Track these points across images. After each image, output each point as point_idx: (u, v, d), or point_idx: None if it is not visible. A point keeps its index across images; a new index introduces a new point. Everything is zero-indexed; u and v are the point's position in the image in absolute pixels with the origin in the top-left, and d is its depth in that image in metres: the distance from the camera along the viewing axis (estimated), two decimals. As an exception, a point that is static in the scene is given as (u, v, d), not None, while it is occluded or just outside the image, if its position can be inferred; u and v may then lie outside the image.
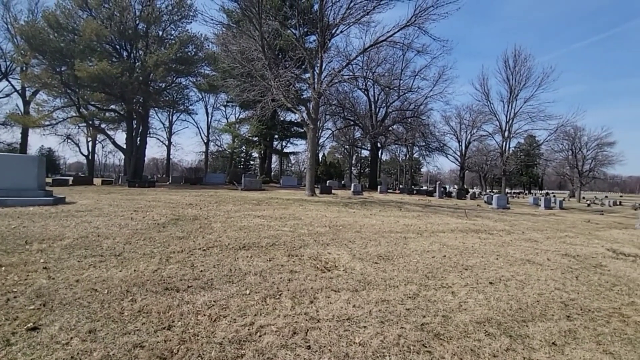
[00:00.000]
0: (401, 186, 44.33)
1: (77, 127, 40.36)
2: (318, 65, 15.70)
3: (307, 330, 2.62)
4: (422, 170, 78.87)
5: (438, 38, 15.01)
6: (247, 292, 3.32)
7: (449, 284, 3.93)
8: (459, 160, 46.89)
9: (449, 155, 45.58)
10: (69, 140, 43.55)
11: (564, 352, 2.55)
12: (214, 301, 3.05)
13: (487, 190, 55.36)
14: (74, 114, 30.26)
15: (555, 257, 5.80)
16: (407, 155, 56.42)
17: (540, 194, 55.46)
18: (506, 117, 31.63)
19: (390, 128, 38.39)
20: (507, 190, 58.68)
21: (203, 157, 54.80)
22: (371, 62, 35.07)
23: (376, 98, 37.35)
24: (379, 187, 29.20)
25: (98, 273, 3.61)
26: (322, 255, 4.87)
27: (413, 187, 53.12)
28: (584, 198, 50.51)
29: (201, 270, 3.86)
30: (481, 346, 2.56)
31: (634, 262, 5.83)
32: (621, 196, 74.09)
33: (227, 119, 51.76)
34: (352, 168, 68.29)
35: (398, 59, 34.63)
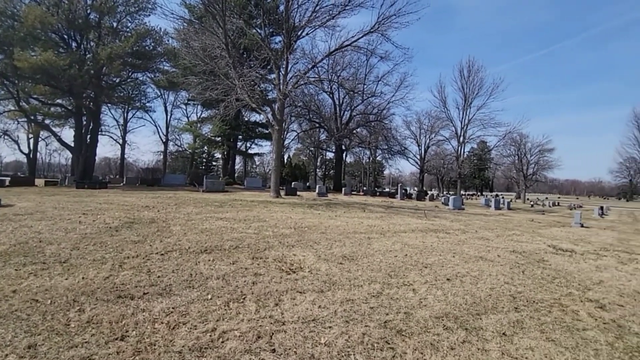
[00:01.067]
0: (365, 188, 45.38)
1: (16, 122, 36.36)
2: (283, 66, 15.62)
3: (272, 333, 2.57)
4: (384, 172, 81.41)
5: (400, 45, 15.65)
6: (209, 297, 3.19)
7: (410, 282, 4.08)
8: (419, 163, 49.08)
9: (409, 159, 47.58)
10: (6, 137, 39.10)
11: (513, 341, 2.75)
12: (173, 308, 2.89)
13: (445, 192, 58.54)
14: (13, 108, 27.28)
15: (504, 253, 6.26)
16: (371, 158, 57.94)
17: (491, 195, 59.69)
18: (461, 123, 33.77)
19: (354, 131, 39.20)
20: (462, 192, 62.52)
21: (162, 157, 51.98)
22: (336, 65, 35.65)
23: (341, 101, 37.97)
24: (343, 189, 29.65)
25: (40, 282, 3.26)
26: (288, 257, 4.82)
27: (376, 189, 54.62)
28: (528, 199, 55.25)
29: (159, 276, 3.64)
30: (440, 340, 2.67)
31: (570, 257, 6.47)
32: (559, 197, 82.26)
33: (188, 117, 49.55)
34: (318, 170, 68.70)
35: (362, 64, 35.57)
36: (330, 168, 66.20)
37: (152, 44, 30.02)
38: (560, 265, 5.62)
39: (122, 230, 5.81)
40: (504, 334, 2.87)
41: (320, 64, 30.96)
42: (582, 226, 14.64)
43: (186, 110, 51.08)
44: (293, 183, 30.74)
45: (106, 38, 24.68)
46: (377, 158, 58.61)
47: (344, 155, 53.28)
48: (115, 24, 25.92)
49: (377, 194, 35.65)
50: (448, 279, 4.29)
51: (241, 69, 13.88)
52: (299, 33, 15.99)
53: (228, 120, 35.01)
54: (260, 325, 2.67)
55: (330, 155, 57.81)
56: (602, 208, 29.40)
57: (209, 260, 4.35)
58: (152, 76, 35.42)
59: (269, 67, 18.21)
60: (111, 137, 47.02)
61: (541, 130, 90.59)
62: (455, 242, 6.99)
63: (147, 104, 42.20)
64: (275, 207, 11.14)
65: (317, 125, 39.32)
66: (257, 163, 77.72)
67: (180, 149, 52.77)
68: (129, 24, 26.53)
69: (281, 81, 15.78)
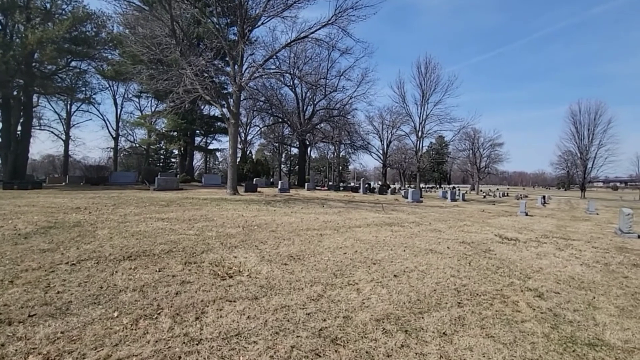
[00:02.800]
0: (330, 183, 45.55)
1: None
2: (239, 57, 14.84)
3: (182, 356, 2.16)
4: (349, 167, 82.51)
5: (359, 40, 15.75)
6: (115, 314, 2.70)
7: (356, 281, 3.85)
8: (382, 158, 50.21)
9: (372, 153, 48.46)
10: None
11: (453, 341, 2.59)
12: (62, 332, 2.37)
13: (406, 186, 60.55)
14: None
15: (454, 245, 6.31)
16: (335, 153, 58.27)
17: (448, 188, 62.86)
18: (419, 118, 34.86)
19: (317, 126, 39.03)
20: (422, 185, 65.16)
21: (112, 154, 48.04)
22: (298, 59, 35.15)
23: (304, 96, 37.57)
24: (306, 184, 29.38)
25: None
26: (227, 259, 4.39)
27: (341, 183, 55.03)
28: (481, 191, 58.89)
29: (58, 292, 3.06)
30: (377, 347, 2.44)
31: (514, 246, 6.69)
32: (508, 188, 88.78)
33: (141, 111, 46.17)
34: (282, 166, 67.85)
35: (324, 58, 35.36)
36: (295, 164, 65.61)
37: (94, 30, 27.45)
38: (504, 255, 5.74)
39: (33, 237, 5.00)
40: (444, 333, 2.71)
41: (282, 58, 30.47)
42: (526, 215, 15.65)
43: (139, 103, 47.50)
44: (255, 179, 29.89)
45: (36, 20, 22.01)
46: (342, 153, 59.18)
47: (309, 150, 53.07)
48: (48, 5, 23.22)
49: (341, 188, 35.86)
50: (395, 275, 4.13)
51: (192, 57, 12.90)
52: (255, 22, 15.28)
53: (183, 114, 33.12)
54: (169, 347, 2.25)
55: (295, 150, 57.32)
56: (544, 197, 31.94)
57: (131, 268, 3.80)
58: (96, 65, 32.49)
59: (226, 58, 17.28)
60: (52, 132, 42.57)
61: (492, 126, 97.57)
62: (408, 236, 6.96)
63: (93, 96, 38.76)
64: (229, 205, 10.54)
65: (280, 120, 38.58)
66: (220, 159, 75.05)
67: (135, 145, 49.19)
68: (65, 6, 23.91)
69: (236, 73, 15.00)
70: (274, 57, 19.79)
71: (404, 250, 5.50)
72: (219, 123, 37.10)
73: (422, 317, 2.98)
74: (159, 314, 2.75)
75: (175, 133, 34.78)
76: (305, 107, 37.61)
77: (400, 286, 3.75)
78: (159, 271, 3.78)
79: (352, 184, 48.70)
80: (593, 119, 55.26)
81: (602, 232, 10.42)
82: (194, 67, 12.02)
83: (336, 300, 3.25)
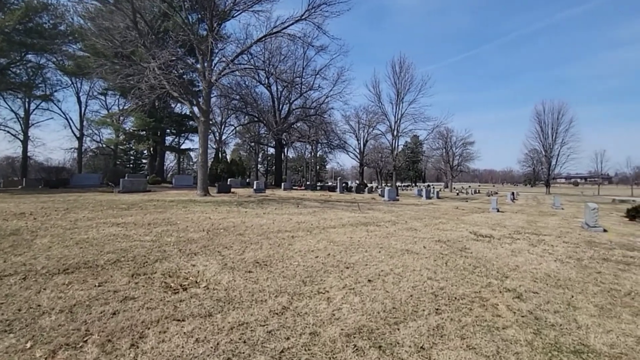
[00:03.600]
0: (308, 183, 45.21)
1: None
2: (208, 52, 14.13)
3: (101, 399, 1.72)
4: (327, 167, 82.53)
5: (334, 37, 15.51)
6: (28, 345, 2.19)
7: (327, 288, 3.51)
8: (358, 157, 50.45)
9: (349, 153, 48.63)
10: None
11: (431, 356, 2.30)
12: (-53, 376, 1.85)
13: (383, 184, 61.28)
14: None
15: (430, 244, 6.13)
16: (312, 153, 57.97)
17: (424, 186, 64.31)
18: (395, 117, 35.24)
19: (294, 125, 38.55)
20: (398, 183, 66.28)
21: (76, 154, 44.99)
22: (272, 57, 34.50)
23: (279, 95, 36.96)
24: (283, 184, 28.85)
25: None
26: (183, 269, 3.92)
27: (319, 183, 54.77)
28: (454, 188, 60.63)
29: (-40, 319, 2.49)
30: (346, 370, 2.10)
31: (489, 243, 6.62)
32: (479, 186, 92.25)
33: (108, 109, 43.57)
34: (259, 166, 66.75)
35: (299, 57, 34.97)
36: (272, 163, 64.70)
37: (52, 21, 25.56)
38: (480, 253, 5.61)
39: (-48, 249, 4.28)
40: (422, 347, 2.42)
41: (256, 56, 29.64)
42: (498, 211, 16.03)
43: (105, 101, 44.85)
44: (229, 180, 28.98)
45: (-18, 9, 20.15)
46: (319, 153, 59.00)
47: (286, 150, 52.45)
48: (-4, -7, 21.28)
49: (318, 188, 35.60)
50: (369, 280, 3.82)
51: (157, 50, 12.08)
52: (225, 16, 14.62)
53: (152, 112, 31.62)
54: (87, 388, 1.80)
55: (271, 150, 56.46)
56: (513, 194, 33.21)
57: (64, 284, 3.25)
58: (56, 60, 30.36)
59: (195, 54, 16.45)
60: (9, 132, 39.26)
61: (464, 126, 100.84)
62: (384, 235, 6.72)
63: (54, 93, 36.24)
64: (197, 207, 9.91)
65: (256, 119, 37.73)
66: (194, 159, 72.63)
67: (101, 145, 46.38)
68: (17, -5, 22.05)
69: (206, 68, 14.28)
70: (248, 54, 19.19)
71: (380, 252, 5.22)
72: (191, 122, 35.75)
73: (398, 329, 2.68)
74: (85, 341, 2.26)
75: (144, 132, 33.11)
76: (281, 106, 37.02)
77: (375, 292, 3.45)
78: (99, 286, 3.25)
79: (329, 184, 48.57)
80: (556, 119, 58.40)
81: (570, 226, 10.73)
82: (158, 60, 11.24)
83: (303, 312, 2.89)
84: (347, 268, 4.24)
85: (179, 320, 2.63)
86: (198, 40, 14.31)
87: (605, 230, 9.60)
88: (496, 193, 50.84)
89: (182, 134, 43.19)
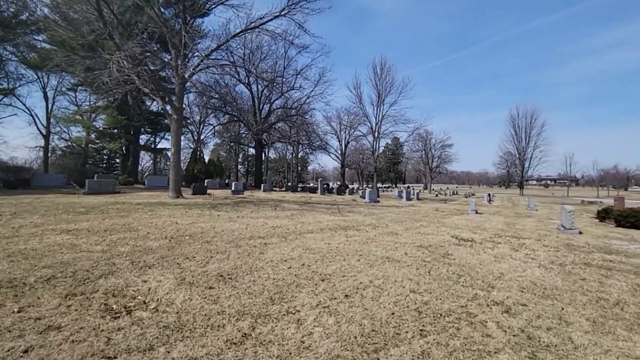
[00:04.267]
0: (289, 184, 44.58)
1: None
2: (181, 46, 13.37)
3: None
4: (309, 168, 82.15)
5: (314, 34, 14.94)
6: None
7: (298, 307, 3.07)
8: (340, 158, 50.34)
9: (331, 154, 48.42)
10: None
11: (417, 397, 1.92)
12: None
13: (364, 186, 61.52)
14: None
15: (412, 250, 5.82)
16: (293, 154, 57.38)
17: (404, 187, 65.12)
18: (376, 119, 35.35)
19: (274, 125, 37.87)
20: (379, 185, 66.79)
21: (42, 153, 42.11)
22: (253, 55, 33.79)
23: (260, 94, 36.23)
24: (262, 185, 28.16)
25: None
26: (132, 286, 3.37)
27: (300, 184, 54.17)
28: (433, 190, 61.71)
29: None
30: (313, 423, 1.67)
31: (471, 248, 6.40)
32: (457, 187, 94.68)
33: (78, 106, 41.11)
34: (239, 166, 65.47)
35: (280, 56, 34.40)
36: (252, 164, 63.50)
37: (12, 10, 23.82)
38: (463, 259, 5.35)
39: None
40: (405, 384, 2.03)
41: (236, 53, 28.79)
42: (476, 213, 16.14)
43: (75, 97, 42.35)
44: (206, 180, 27.98)
45: None
46: (300, 154, 58.48)
47: (267, 150, 51.60)
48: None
49: (299, 189, 35.12)
50: (346, 296, 3.42)
51: (123, 41, 11.22)
52: (199, 9, 13.91)
53: (124, 109, 30.12)
54: None
55: (252, 150, 55.34)
56: (489, 195, 34.01)
57: (-28, 310, 2.64)
58: (17, 52, 28.38)
59: (170, 49, 15.58)
60: (-34, 129, 36.32)
61: (442, 128, 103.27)
62: (364, 241, 6.36)
63: (17, 87, 33.95)
64: (165, 211, 9.22)
65: (235, 118, 36.76)
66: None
67: (72, 144, 43.72)
68: (-31, -21, 20.32)
69: (179, 64, 13.52)
70: (227, 52, 18.47)
71: (359, 260, 4.84)
72: (166, 120, 34.33)
73: (378, 358, 2.29)
74: (-30, 397, 1.72)
75: (116, 130, 31.44)
76: (261, 106, 36.27)
77: (352, 311, 3.05)
78: (18, 312, 2.67)
79: (311, 185, 48.19)
80: (529, 123, 60.75)
81: (547, 228, 10.82)
82: (124, 52, 10.40)
83: (267, 341, 2.44)
84: (323, 281, 3.82)
85: (109, 358, 2.12)
86: (170, 33, 13.53)
87: (580, 232, 9.70)
88: (473, 194, 52.14)
89: (158, 133, 41.55)
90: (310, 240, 6.07)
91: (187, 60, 13.38)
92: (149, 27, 12.72)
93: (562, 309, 3.45)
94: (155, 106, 35.99)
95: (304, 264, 4.43)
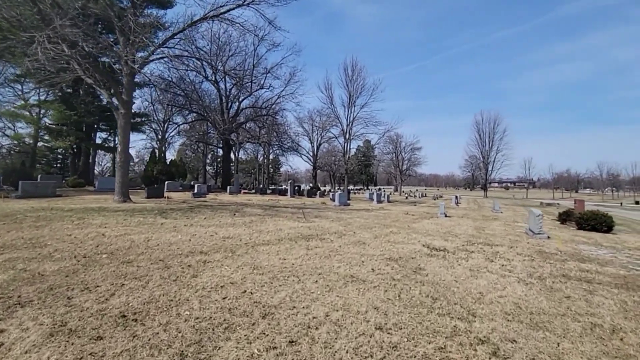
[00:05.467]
0: (261, 186, 43.06)
1: None
2: (130, 33, 11.90)
3: None
4: (281, 170, 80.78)
5: (281, 28, 14.02)
6: None
7: (218, 367, 2.16)
8: (312, 160, 49.60)
9: (302, 155, 47.56)
10: None
11: None
12: None
13: (336, 188, 61.22)
14: None
15: (380, 264, 5.08)
16: (264, 155, 55.87)
17: (375, 189, 65.62)
18: (347, 120, 34.93)
19: (244, 125, 36.37)
20: (351, 187, 66.83)
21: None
22: (220, 52, 32.20)
23: (227, 92, 34.62)
24: (228, 187, 26.67)
25: None
26: (-27, 342, 2.29)
27: (273, 186, 52.59)
28: (403, 192, 62.71)
29: None
30: None
31: (444, 259, 5.78)
32: (425, 189, 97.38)
33: (25, 100, 37.03)
34: (208, 167, 62.83)
35: (250, 53, 33.06)
36: (222, 165, 60.98)
37: None
38: (437, 275, 4.68)
39: None
40: None
41: (203, 50, 27.04)
42: (446, 216, 15.96)
43: (22, 90, 38.19)
44: (167, 183, 26.02)
45: None
46: (271, 155, 57.03)
47: (237, 151, 49.62)
48: None
49: (269, 191, 33.92)
50: (291, 342, 2.55)
51: (56, 20, 9.59)
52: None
53: (73, 104, 27.43)
54: None
55: (222, 151, 53.00)
56: (456, 197, 34.72)
57: None
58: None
59: (121, 37, 13.93)
60: None
61: (412, 132, 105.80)
62: (326, 254, 5.54)
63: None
64: (98, 219, 7.87)
65: (201, 117, 34.82)
66: (136, 159, 65.81)
67: (20, 141, 39.30)
68: None
69: (128, 52, 12.03)
70: (189, 44, 17.03)
71: (317, 282, 4.00)
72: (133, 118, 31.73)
73: None
74: None
75: (65, 127, 28.50)
76: (229, 105, 34.67)
77: (295, 369, 2.19)
78: None
79: (283, 187, 47.00)
80: (492, 128, 63.51)
81: (515, 232, 10.64)
82: (51, 31, 8.83)
83: None
84: (264, 317, 2.93)
85: None
86: (119, 18, 12.03)
87: (549, 237, 9.55)
88: (441, 196, 53.46)
89: (115, 130, 38.44)
90: (263, 255, 5.14)
91: (135, 48, 11.92)
92: (89, 8, 11.13)
93: (558, 344, 2.81)
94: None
95: (245, 291, 3.50)
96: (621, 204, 50.46)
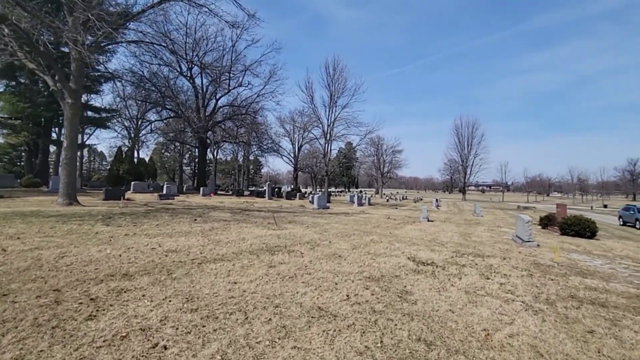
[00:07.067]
0: (238, 188, 41.35)
1: None
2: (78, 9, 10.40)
3: None
4: (262, 171, 79.06)
5: (254, 15, 12.78)
6: None
7: None
8: (293, 161, 48.39)
9: (283, 157, 46.26)
10: None
11: None
12: None
13: (317, 190, 60.22)
14: None
15: (357, 287, 4.07)
16: (244, 156, 54.12)
17: (357, 192, 65.15)
18: (328, 120, 34.00)
19: (221, 124, 34.69)
20: (332, 189, 66.02)
21: None
22: (197, 45, 30.53)
23: (204, 89, 32.92)
24: (202, 189, 25.05)
25: None
26: None
27: (253, 187, 50.83)
28: (384, 194, 62.52)
29: None
30: None
31: (433, 277, 4.85)
32: (406, 192, 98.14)
33: (-20, 91, 33.74)
34: (187, 167, 60.37)
35: (228, 49, 31.48)
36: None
37: None
38: (428, 303, 3.72)
39: None
40: None
41: (178, 43, 25.32)
42: (428, 220, 15.26)
43: (-24, 81, 34.79)
44: (133, 183, 24.11)
45: None
46: (251, 156, 55.29)
47: (215, 151, 47.72)
48: None
49: (247, 193, 32.47)
50: None
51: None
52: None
53: (29, 95, 25.00)
54: None
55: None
56: (437, 200, 34.49)
57: None
58: None
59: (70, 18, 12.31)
60: None
61: (393, 135, 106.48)
62: (292, 274, 4.47)
63: None
64: (14, 227, 6.41)
65: (175, 114, 32.89)
66: (109, 158, 62.26)
67: None
68: None
69: (77, 33, 10.52)
70: (167, 39, 15.56)
71: (269, 321, 2.92)
72: (89, 112, 29.39)
73: None
74: None
75: (18, 121, 25.92)
76: (205, 102, 32.94)
77: None
78: None
79: (263, 188, 45.54)
80: (471, 132, 64.58)
81: (502, 239, 9.98)
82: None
83: None
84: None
85: None
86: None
87: (538, 245, 8.90)
88: (421, 199, 53.57)
89: (85, 126, 35.79)
90: (208, 278, 4.00)
91: (86, 28, 10.41)
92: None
93: None
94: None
95: (156, 345, 2.36)
96: (592, 207, 52.28)
